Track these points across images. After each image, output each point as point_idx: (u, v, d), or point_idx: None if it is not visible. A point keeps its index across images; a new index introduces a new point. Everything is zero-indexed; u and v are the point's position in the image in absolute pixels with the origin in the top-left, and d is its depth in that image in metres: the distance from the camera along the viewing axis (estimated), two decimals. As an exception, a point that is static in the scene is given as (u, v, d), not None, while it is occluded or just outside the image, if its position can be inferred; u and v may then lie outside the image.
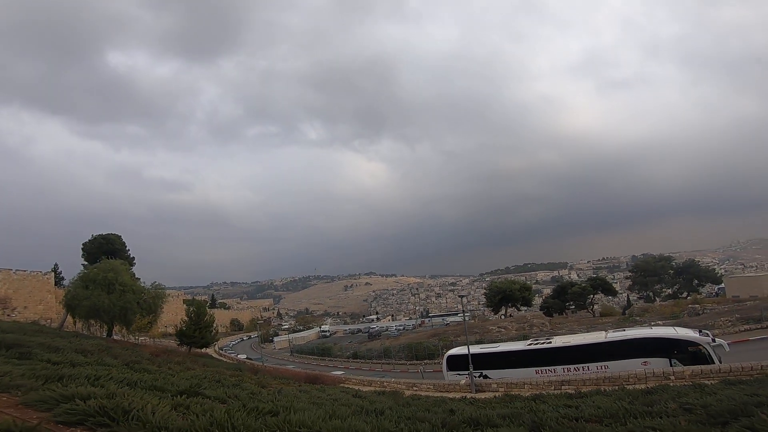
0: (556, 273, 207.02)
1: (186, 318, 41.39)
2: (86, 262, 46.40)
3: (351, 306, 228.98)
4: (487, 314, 77.87)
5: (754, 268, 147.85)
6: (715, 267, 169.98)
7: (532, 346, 22.67)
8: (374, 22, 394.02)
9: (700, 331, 19.60)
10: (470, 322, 66.18)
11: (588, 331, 32.08)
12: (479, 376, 22.69)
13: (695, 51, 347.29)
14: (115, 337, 41.65)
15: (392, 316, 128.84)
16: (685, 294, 60.15)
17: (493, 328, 45.90)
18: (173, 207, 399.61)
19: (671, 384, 14.22)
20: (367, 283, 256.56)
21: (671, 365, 17.75)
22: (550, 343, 22.38)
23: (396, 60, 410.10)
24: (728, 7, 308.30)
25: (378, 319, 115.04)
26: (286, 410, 6.91)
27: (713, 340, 17.93)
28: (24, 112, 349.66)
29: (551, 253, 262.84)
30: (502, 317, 67.60)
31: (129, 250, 49.65)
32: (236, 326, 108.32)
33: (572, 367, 20.38)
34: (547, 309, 67.79)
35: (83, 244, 49.63)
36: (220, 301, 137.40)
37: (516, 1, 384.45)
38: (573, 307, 66.27)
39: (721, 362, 17.12)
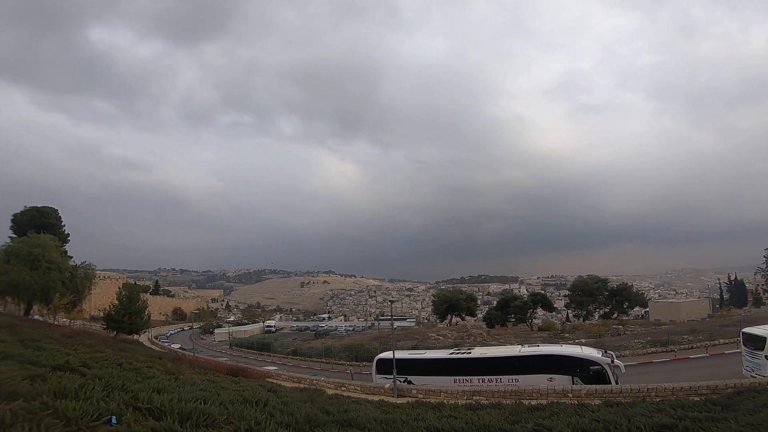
0: (507, 286, 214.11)
1: (116, 302, 39.70)
2: (15, 235, 43.40)
3: (306, 303, 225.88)
4: (434, 321, 79.51)
5: (684, 295, 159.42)
6: (650, 291, 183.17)
7: (453, 356, 23.06)
8: (367, 27, 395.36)
9: (605, 352, 20.48)
10: (415, 328, 67.60)
11: (522, 344, 32.79)
12: (404, 381, 22.98)
13: (664, 82, 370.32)
14: (36, 317, 39.23)
15: (345, 316, 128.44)
16: (615, 315, 64.14)
17: (433, 335, 47.06)
18: (130, 186, 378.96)
19: (568, 401, 14.67)
20: (325, 282, 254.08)
21: (573, 382, 18.31)
22: (470, 354, 22.80)
23: (382, 65, 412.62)
24: (704, 42, 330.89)
25: (330, 318, 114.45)
26: (157, 392, 7.04)
27: (612, 361, 18.51)
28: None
29: (505, 267, 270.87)
30: (448, 325, 69.38)
31: (64, 225, 46.88)
32: (179, 315, 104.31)
33: (487, 378, 20.70)
34: (490, 320, 70.12)
35: (13, 216, 46.16)
36: (165, 288, 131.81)
37: (507, 19, 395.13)
38: (514, 319, 68.96)
39: (618, 383, 17.91)
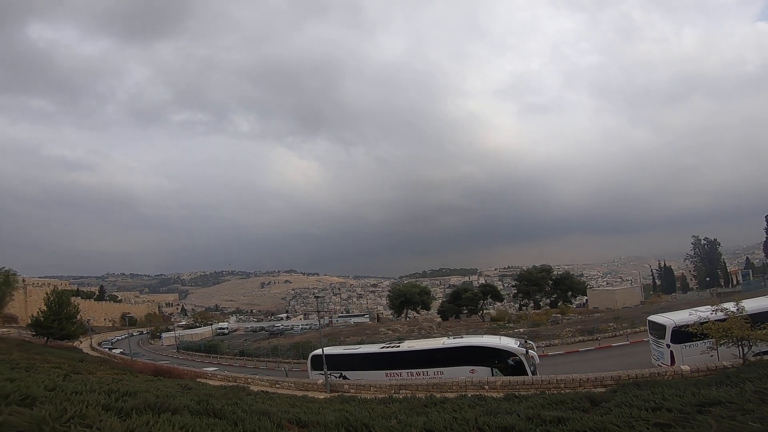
0: (467, 278, 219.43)
1: (44, 308, 37.57)
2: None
3: (267, 304, 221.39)
4: (389, 316, 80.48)
5: (630, 282, 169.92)
6: (599, 279, 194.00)
7: (383, 350, 23.30)
8: (328, 26, 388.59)
9: (525, 341, 20.83)
10: (368, 323, 68.16)
11: (457, 335, 33.20)
12: (339, 377, 23.12)
13: (605, 82, 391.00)
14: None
15: (304, 315, 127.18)
16: (560, 303, 67.55)
17: (383, 329, 47.63)
18: (72, 188, 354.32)
19: (484, 393, 14.89)
20: (286, 281, 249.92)
21: (492, 374, 18.57)
22: (398, 347, 23.03)
23: (343, 65, 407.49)
24: (640, 43, 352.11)
25: (288, 317, 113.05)
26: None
27: (527, 352, 18.65)
28: None
29: (465, 260, 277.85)
30: (404, 319, 70.44)
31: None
32: (127, 321, 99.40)
33: (415, 371, 20.86)
34: (444, 313, 71.97)
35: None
36: (113, 293, 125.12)
37: (463, 21, 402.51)
38: (466, 311, 71.03)
39: (535, 373, 18.46)
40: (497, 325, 49.65)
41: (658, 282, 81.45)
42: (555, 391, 14.46)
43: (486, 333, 36.72)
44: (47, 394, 6.23)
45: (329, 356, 24.14)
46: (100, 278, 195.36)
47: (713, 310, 14.40)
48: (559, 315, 49.30)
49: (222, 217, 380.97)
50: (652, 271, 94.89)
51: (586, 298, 70.45)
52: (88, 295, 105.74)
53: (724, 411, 6.49)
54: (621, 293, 60.23)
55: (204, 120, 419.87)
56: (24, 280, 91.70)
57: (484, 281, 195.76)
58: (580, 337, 32.56)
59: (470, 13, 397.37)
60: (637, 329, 30.72)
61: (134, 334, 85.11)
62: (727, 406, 6.72)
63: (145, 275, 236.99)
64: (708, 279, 65.92)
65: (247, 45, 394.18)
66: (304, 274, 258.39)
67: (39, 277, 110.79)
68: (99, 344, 57.31)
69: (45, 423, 4.42)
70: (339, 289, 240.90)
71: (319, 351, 25.52)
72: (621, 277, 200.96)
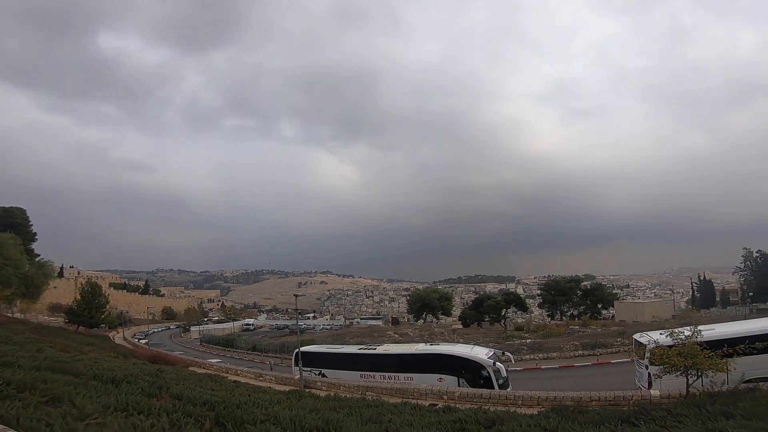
0: (504, 286, 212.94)
1: (79, 297, 41.27)
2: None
3: (303, 303, 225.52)
4: (409, 320, 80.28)
5: (680, 294, 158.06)
6: (647, 290, 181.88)
7: (359, 352, 23.76)
8: (368, 33, 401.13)
9: (503, 353, 20.74)
10: (380, 326, 68.53)
11: (444, 342, 31.50)
12: (318, 374, 23.96)
13: (655, 85, 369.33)
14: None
15: (332, 315, 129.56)
16: (585, 315, 64.39)
17: (391, 332, 47.87)
18: (131, 188, 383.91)
19: (442, 403, 14.92)
20: (322, 282, 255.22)
21: (459, 384, 18.33)
22: (374, 350, 23.35)
23: (382, 71, 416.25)
24: (691, 47, 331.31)
25: (315, 317, 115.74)
26: None
27: (494, 364, 18.23)
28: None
29: (503, 267, 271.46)
30: (422, 323, 70.05)
31: (32, 225, 48.57)
32: (168, 314, 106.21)
33: (387, 375, 21.04)
34: (465, 319, 70.71)
35: (-18, 215, 48.05)
36: (158, 288, 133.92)
37: (500, 23, 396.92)
38: (488, 319, 69.37)
39: (506, 385, 17.98)
40: (509, 335, 48.27)
41: (697, 294, 75.46)
42: (505, 408, 13.81)
43: (485, 342, 35.71)
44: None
45: (313, 354, 25.32)
46: (150, 273, 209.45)
47: (666, 335, 13.28)
48: (577, 327, 47.13)
49: (265, 218, 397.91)
50: (692, 284, 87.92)
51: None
52: (134, 289, 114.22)
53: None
54: (651, 306, 56.46)
55: (252, 125, 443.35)
56: (79, 273, 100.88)
57: (522, 289, 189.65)
58: (580, 351, 31.18)
59: (508, 16, 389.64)
60: (645, 346, 29.26)
61: (171, 327, 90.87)
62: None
63: (192, 272, 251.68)
64: (751, 294, 60.14)
65: (292, 53, 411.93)
66: (339, 276, 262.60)
67: (94, 270, 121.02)
68: (134, 335, 61.72)
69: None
70: (372, 291, 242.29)
71: (305, 348, 26.65)
72: (671, 289, 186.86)
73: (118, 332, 59.24)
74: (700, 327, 13.61)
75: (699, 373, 11.98)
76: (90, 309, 41.14)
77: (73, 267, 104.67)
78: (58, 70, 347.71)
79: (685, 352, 11.92)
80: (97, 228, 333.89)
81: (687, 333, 12.68)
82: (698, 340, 12.27)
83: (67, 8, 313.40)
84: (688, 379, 12.14)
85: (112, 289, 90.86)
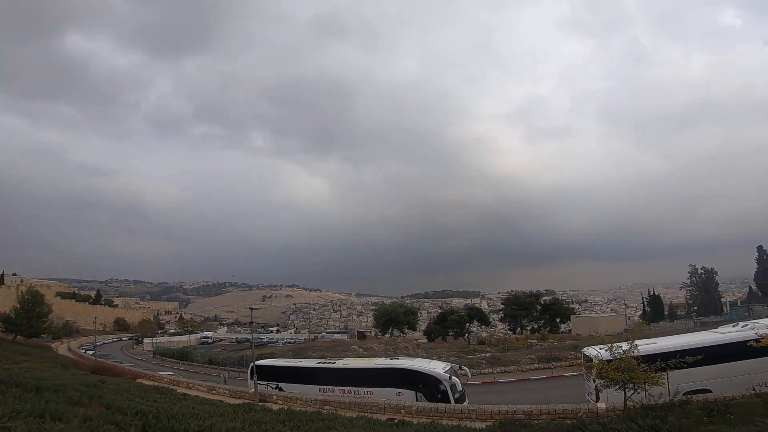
0: (469, 301, 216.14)
1: (17, 306, 38.57)
2: None
3: (267, 317, 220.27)
4: (375, 334, 79.86)
5: (634, 309, 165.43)
6: (603, 305, 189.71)
7: (318, 365, 23.44)
8: (345, 48, 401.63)
9: (460, 367, 20.82)
10: (345, 340, 67.73)
11: (409, 357, 31.53)
12: (275, 388, 23.27)
13: (614, 107, 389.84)
14: None
15: (296, 329, 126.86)
16: (543, 329, 66.27)
17: (355, 347, 47.33)
18: (88, 194, 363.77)
19: (399, 417, 15.02)
20: (288, 296, 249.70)
21: (417, 398, 18.32)
22: (333, 364, 23.10)
23: (358, 86, 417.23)
24: (650, 69, 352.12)
25: (279, 331, 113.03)
26: None
27: (450, 378, 18.37)
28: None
29: (470, 282, 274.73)
30: (389, 338, 69.78)
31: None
32: (120, 326, 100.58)
33: (346, 389, 20.76)
34: (430, 334, 71.05)
35: None
36: (111, 298, 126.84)
37: (474, 43, 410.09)
38: (452, 333, 70.01)
39: (463, 399, 18.36)
40: (471, 348, 48.86)
41: (647, 309, 79.73)
42: (459, 421, 14.23)
43: (447, 356, 35.92)
44: None
45: (269, 367, 24.62)
46: (103, 283, 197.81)
47: (606, 349, 13.57)
48: (535, 341, 48.39)
49: (229, 229, 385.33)
50: (643, 299, 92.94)
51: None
52: (84, 299, 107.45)
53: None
54: (605, 320, 58.86)
55: (222, 134, 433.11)
56: (22, 281, 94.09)
57: (486, 304, 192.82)
58: (537, 365, 31.89)
59: (484, 35, 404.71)
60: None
61: (123, 339, 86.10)
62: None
63: (149, 282, 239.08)
64: (696, 308, 64.11)
65: (267, 64, 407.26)
66: (306, 290, 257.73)
67: (40, 279, 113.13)
68: (80, 346, 58.01)
69: None
70: (340, 306, 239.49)
71: (261, 362, 25.85)
72: (625, 304, 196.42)
73: (62, 343, 55.67)
74: (642, 341, 14.28)
75: (635, 387, 12.33)
76: (30, 318, 38.59)
77: (16, 274, 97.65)
78: (17, 70, 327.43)
79: (622, 367, 12.29)
80: (48, 234, 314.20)
81: (624, 347, 13.10)
82: (635, 354, 12.67)
83: (30, 7, 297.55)
84: (626, 393, 12.52)
85: (59, 298, 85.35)
